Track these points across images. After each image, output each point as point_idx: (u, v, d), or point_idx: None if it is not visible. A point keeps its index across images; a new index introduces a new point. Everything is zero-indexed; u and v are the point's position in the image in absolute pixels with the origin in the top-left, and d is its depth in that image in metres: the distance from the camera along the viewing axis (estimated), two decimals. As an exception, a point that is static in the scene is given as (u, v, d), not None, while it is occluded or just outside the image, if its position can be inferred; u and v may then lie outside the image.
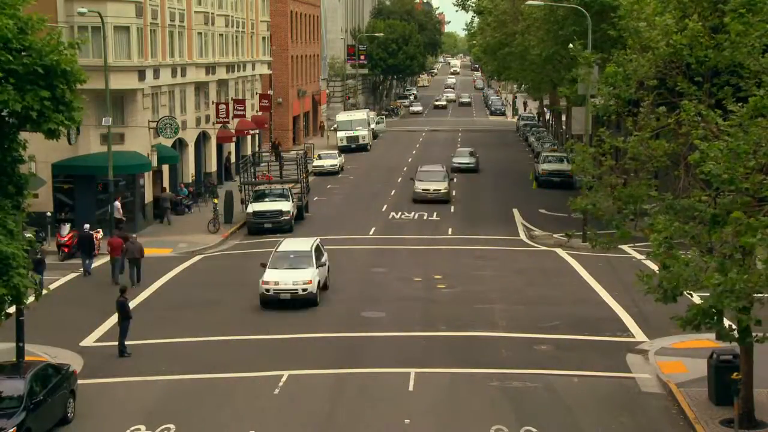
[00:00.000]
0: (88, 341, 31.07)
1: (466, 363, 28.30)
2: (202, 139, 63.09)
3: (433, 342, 30.72)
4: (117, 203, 47.14)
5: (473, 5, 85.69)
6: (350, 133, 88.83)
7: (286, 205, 50.94)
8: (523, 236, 49.94)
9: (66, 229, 43.75)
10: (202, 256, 45.31)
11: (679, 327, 22.43)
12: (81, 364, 28.33)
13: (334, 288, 37.60)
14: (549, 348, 30.00)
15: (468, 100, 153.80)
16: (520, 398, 25.53)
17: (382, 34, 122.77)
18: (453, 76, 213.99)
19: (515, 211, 56.49)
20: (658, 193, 23.83)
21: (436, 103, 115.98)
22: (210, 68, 62.31)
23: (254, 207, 50.88)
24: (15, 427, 21.24)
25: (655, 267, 29.14)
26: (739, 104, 22.44)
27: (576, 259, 42.99)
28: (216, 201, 53.66)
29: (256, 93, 77.10)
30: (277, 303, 34.38)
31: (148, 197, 51.80)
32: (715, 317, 21.55)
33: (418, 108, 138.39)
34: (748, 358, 23.26)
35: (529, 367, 27.94)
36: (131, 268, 38.81)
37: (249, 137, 73.13)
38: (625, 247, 42.11)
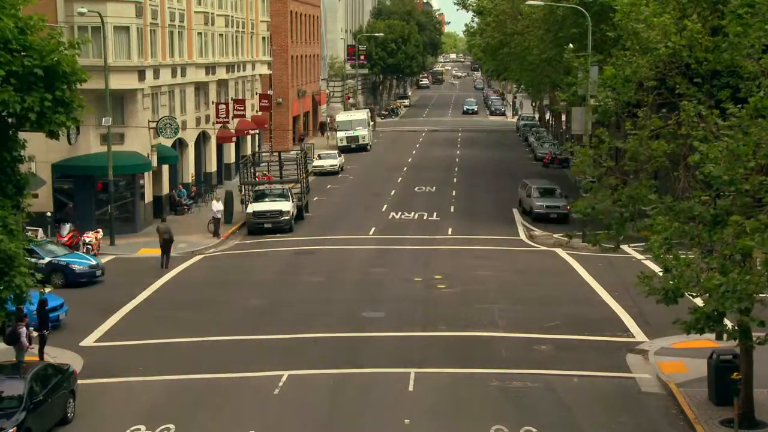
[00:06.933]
0: (88, 341, 31.06)
1: (466, 363, 28.28)
2: (202, 139, 63.09)
3: (433, 342, 30.70)
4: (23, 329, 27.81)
5: (473, 5, 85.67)
6: (350, 133, 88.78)
7: (286, 205, 50.96)
8: (523, 236, 49.95)
9: (66, 229, 43.73)
10: (202, 256, 45.32)
11: (682, 331, 22.40)
12: (81, 364, 28.32)
13: (335, 288, 37.58)
14: (549, 348, 29.98)
15: None
16: (520, 398, 25.51)
17: (381, 34, 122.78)
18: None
19: (515, 211, 56.50)
20: (657, 196, 23.81)
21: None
22: (210, 68, 62.29)
23: (254, 207, 50.92)
24: (15, 427, 21.22)
25: (655, 267, 29.14)
26: (739, 105, 22.43)
27: (576, 259, 43.00)
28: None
29: (256, 93, 77.08)
30: None
31: (148, 197, 51.80)
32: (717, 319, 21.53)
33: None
34: (748, 358, 23.27)
35: (529, 367, 27.93)
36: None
37: (249, 137, 73.16)
38: (625, 247, 42.10)
